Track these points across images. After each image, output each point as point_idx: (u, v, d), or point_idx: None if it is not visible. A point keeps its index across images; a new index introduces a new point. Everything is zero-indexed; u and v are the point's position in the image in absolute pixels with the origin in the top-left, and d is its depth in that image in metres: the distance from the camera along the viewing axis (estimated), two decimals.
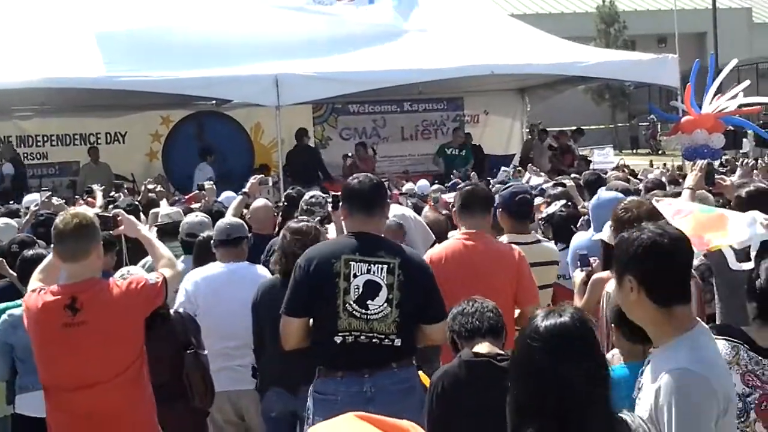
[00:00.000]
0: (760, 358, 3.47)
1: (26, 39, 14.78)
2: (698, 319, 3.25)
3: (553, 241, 6.96)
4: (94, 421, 4.62)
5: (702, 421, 2.95)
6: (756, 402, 3.44)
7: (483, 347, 4.10)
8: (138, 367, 4.72)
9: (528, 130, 21.47)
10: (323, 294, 4.66)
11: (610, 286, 4.71)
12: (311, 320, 4.76)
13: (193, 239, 7.05)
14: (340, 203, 5.11)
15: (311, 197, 8.16)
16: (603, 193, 6.94)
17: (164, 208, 9.14)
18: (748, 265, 3.96)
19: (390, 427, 1.76)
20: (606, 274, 5.20)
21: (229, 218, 7.09)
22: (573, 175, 12.27)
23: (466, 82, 18.46)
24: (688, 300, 3.17)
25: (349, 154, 18.75)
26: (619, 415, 2.78)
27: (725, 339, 3.48)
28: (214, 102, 18.30)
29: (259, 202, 8.47)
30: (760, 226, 3.96)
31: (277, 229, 7.98)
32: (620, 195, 6.68)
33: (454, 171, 14.78)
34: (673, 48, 18.28)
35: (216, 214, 8.17)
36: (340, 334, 4.63)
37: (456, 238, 5.75)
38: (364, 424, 1.76)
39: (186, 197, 11.75)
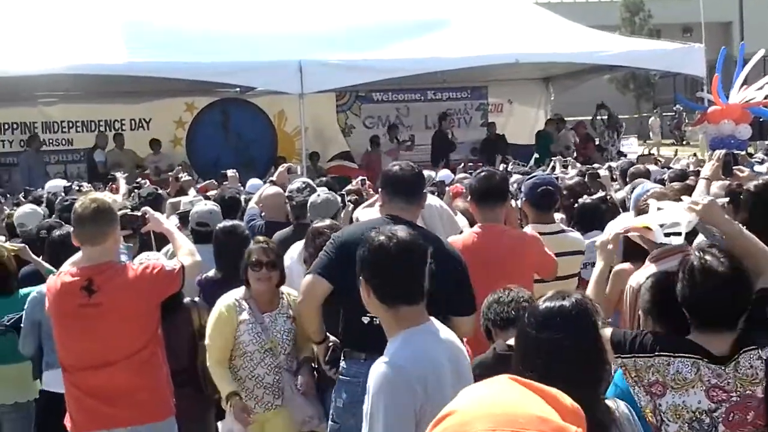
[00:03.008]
0: (720, 368, 3.37)
1: (51, 26, 14.86)
2: (431, 318, 3.46)
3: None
4: (109, 400, 4.73)
5: (396, 407, 3.19)
6: (723, 415, 3.34)
7: None
8: (152, 349, 4.83)
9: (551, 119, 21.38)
10: (354, 271, 4.66)
11: (634, 280, 4.68)
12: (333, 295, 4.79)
13: (203, 228, 7.01)
14: (380, 189, 5.15)
15: (293, 183, 8.17)
16: (648, 184, 6.94)
17: (188, 196, 9.15)
18: (678, 240, 3.92)
19: (539, 390, 1.80)
20: (627, 265, 5.19)
21: (323, 195, 7.14)
22: (590, 166, 12.19)
23: (490, 71, 18.41)
24: (414, 301, 3.39)
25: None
26: (606, 401, 2.87)
27: (684, 357, 3.37)
28: (237, 89, 18.34)
29: (271, 189, 8.46)
30: (685, 212, 3.94)
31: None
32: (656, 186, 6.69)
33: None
34: (698, 37, 18.16)
35: (229, 201, 8.16)
36: (367, 314, 4.64)
37: (472, 230, 5.79)
38: (517, 384, 1.80)
39: (198, 186, 11.70)
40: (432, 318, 3.52)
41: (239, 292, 5.50)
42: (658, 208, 4.30)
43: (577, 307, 2.78)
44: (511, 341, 3.98)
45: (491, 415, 1.67)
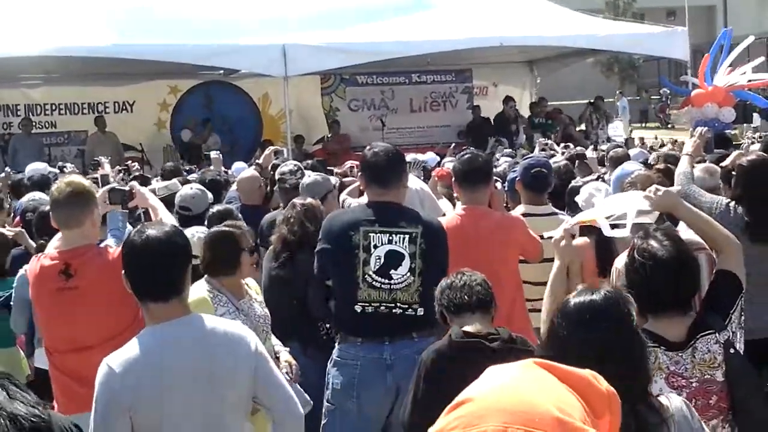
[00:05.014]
0: (677, 355, 3.33)
1: (34, 8, 14.74)
2: (189, 315, 3.51)
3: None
4: (90, 383, 4.68)
5: (102, 403, 3.36)
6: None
7: (473, 326, 3.99)
8: (133, 332, 4.74)
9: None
10: (342, 264, 4.74)
11: (620, 262, 4.69)
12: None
13: (186, 212, 7.01)
14: (359, 174, 5.19)
15: (284, 166, 8.15)
16: (627, 165, 6.97)
17: (160, 182, 9.03)
18: (623, 233, 3.92)
19: (569, 375, 1.72)
20: (583, 239, 5.21)
21: (314, 176, 7.20)
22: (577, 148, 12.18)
23: (475, 54, 18.41)
24: (162, 298, 3.46)
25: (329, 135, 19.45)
26: (657, 398, 2.77)
27: None
28: (221, 72, 18.28)
29: (246, 173, 8.45)
30: (633, 202, 3.96)
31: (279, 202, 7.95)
32: (639, 167, 6.71)
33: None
34: (682, 21, 18.17)
35: (210, 183, 8.14)
36: (359, 303, 4.70)
37: (455, 212, 5.81)
38: (542, 371, 1.72)
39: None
40: (196, 314, 3.54)
41: (202, 285, 4.99)
42: (602, 201, 4.34)
43: (608, 301, 2.70)
44: (467, 327, 3.97)
45: (506, 411, 1.60)
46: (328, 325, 5.74)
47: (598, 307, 2.68)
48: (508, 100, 19.97)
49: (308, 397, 4.94)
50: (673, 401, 2.84)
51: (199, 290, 4.92)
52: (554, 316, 2.75)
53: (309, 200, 6.20)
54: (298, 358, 5.29)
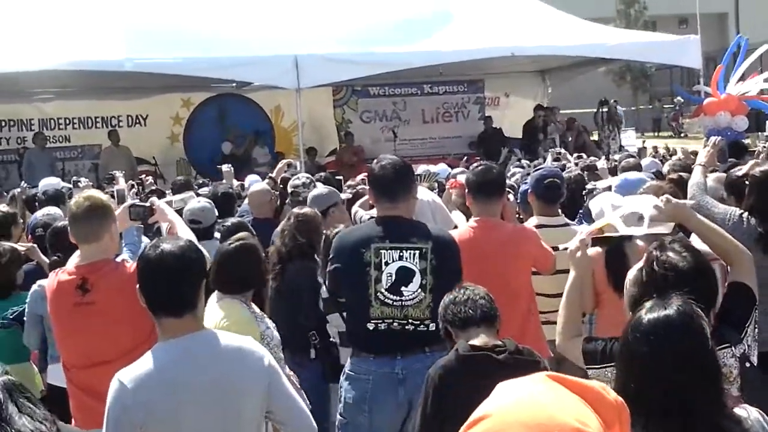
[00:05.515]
0: None
1: (48, 23, 14.80)
2: (204, 330, 3.50)
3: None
4: (105, 398, 4.70)
5: (114, 420, 3.33)
6: None
7: (479, 339, 3.94)
8: (149, 347, 4.75)
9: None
10: (355, 283, 4.74)
11: (632, 273, 4.67)
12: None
13: (196, 226, 7.01)
14: (368, 188, 5.20)
15: (297, 179, 8.18)
16: (629, 174, 6.94)
17: (180, 194, 9.08)
18: (640, 230, 3.89)
19: (579, 387, 1.73)
20: (595, 250, 5.17)
21: (319, 189, 7.25)
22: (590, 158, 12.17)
23: (487, 64, 18.40)
24: (176, 313, 3.44)
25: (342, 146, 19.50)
26: (733, 410, 2.75)
27: None
28: (234, 84, 18.32)
29: (256, 186, 8.47)
30: (646, 205, 3.93)
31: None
32: (645, 177, 6.69)
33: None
34: (694, 29, 18.14)
35: (222, 197, 8.16)
36: (372, 321, 4.70)
37: (468, 225, 5.80)
38: (554, 384, 1.73)
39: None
40: (209, 330, 3.54)
41: (232, 300, 4.91)
42: (614, 206, 4.31)
43: (683, 315, 2.66)
44: (474, 341, 3.92)
45: (525, 424, 1.61)
46: (325, 337, 5.81)
47: (673, 322, 2.64)
48: (538, 108, 19.96)
49: (308, 402, 4.96)
50: (750, 413, 2.83)
51: (235, 309, 4.84)
52: (626, 332, 2.71)
53: (305, 210, 6.22)
54: (285, 366, 5.30)
